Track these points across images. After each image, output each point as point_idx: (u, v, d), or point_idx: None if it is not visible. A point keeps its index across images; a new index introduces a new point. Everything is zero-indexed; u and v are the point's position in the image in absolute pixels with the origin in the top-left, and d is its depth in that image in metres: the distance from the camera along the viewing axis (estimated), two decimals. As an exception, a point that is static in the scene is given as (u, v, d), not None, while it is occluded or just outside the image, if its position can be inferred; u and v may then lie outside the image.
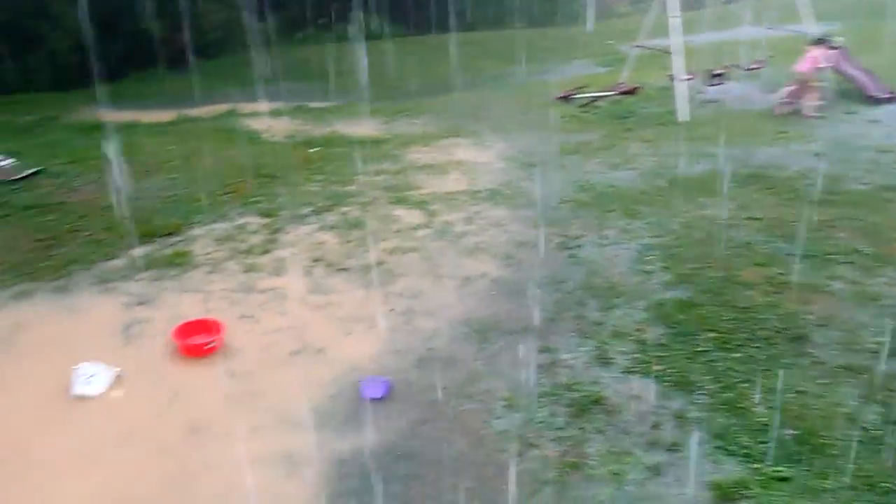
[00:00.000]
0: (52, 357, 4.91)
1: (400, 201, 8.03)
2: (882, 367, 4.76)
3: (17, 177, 8.75)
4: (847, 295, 5.69)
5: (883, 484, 3.79)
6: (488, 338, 5.26)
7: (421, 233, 7.18)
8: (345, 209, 7.81)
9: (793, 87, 11.26)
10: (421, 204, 7.95)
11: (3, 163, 9.03)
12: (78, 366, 4.61)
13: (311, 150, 10.46)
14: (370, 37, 19.43)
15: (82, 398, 4.45)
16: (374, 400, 4.50)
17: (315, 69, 16.77)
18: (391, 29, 19.76)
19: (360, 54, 15.55)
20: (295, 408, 4.43)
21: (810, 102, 11.06)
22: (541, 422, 4.35)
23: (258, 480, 3.81)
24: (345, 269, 6.37)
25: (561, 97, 13.06)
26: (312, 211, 7.79)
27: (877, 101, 11.48)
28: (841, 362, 4.82)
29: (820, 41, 11.39)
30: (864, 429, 4.20)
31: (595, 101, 12.72)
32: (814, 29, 12.33)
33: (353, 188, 8.55)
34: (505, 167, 9.35)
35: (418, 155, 10.03)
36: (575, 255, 6.60)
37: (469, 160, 9.68)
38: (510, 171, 9.18)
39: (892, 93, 11.61)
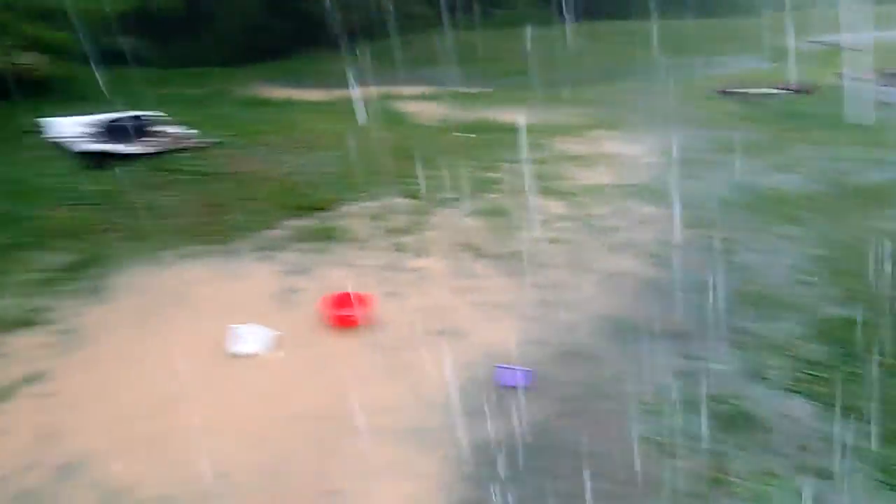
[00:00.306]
0: (213, 315, 5.26)
1: (547, 191, 7.97)
2: None
3: (195, 145, 9.47)
4: None
5: None
6: (632, 338, 5.12)
7: (566, 224, 7.09)
8: (492, 195, 7.86)
9: None
10: (568, 195, 7.85)
11: (182, 133, 9.82)
12: (236, 326, 4.93)
13: (462, 135, 10.58)
14: (533, 23, 19.30)
15: (239, 356, 4.75)
16: (510, 387, 4.50)
17: (474, 54, 16.94)
18: (555, 17, 19.52)
19: (520, 41, 15.44)
20: (433, 387, 4.51)
21: None
22: (682, 431, 4.18)
23: (391, 453, 3.92)
24: (489, 256, 6.41)
25: (724, 92, 12.43)
26: (460, 196, 7.88)
27: None
28: None
29: None
30: None
31: (760, 97, 12.01)
32: None
33: (500, 175, 8.58)
34: (658, 162, 9.05)
35: (569, 145, 9.91)
36: (729, 259, 6.28)
37: (621, 153, 9.45)
38: (663, 166, 8.86)
39: None
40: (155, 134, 9.83)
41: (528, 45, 16.85)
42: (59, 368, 4.62)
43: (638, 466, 3.86)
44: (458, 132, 10.82)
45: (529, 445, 4.00)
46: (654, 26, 15.97)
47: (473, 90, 14.69)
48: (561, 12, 19.30)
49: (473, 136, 10.60)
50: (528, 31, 18.18)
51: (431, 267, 6.21)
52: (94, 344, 4.93)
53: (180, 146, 9.41)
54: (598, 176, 8.57)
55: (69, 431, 4.01)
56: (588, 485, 3.66)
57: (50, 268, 6.00)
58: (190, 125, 10.11)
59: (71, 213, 7.17)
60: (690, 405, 4.39)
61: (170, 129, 10.06)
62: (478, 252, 6.48)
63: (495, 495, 3.59)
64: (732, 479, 3.80)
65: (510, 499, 3.56)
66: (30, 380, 4.48)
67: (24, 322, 5.14)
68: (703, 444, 4.07)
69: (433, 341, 5.05)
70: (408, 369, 4.72)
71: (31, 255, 6.21)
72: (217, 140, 9.68)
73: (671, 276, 6.00)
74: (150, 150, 9.19)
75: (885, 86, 11.35)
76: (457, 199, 7.78)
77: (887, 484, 3.75)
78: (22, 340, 4.94)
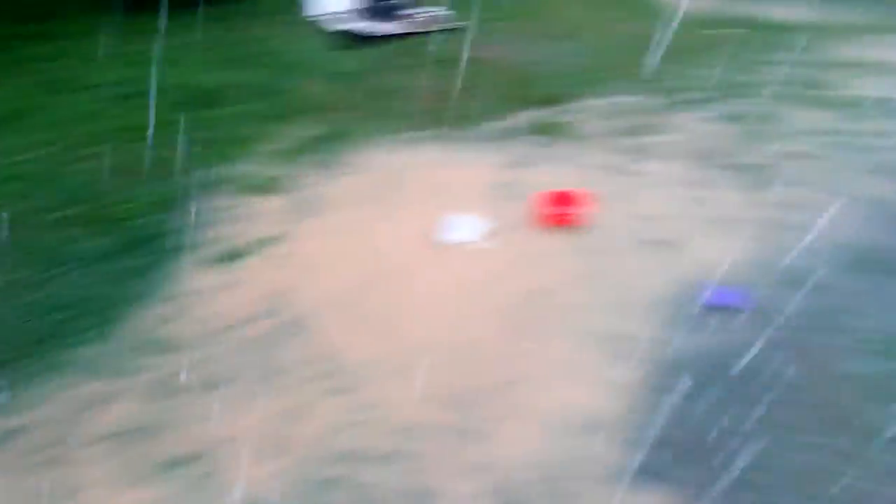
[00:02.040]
0: (431, 201, 5.52)
1: (806, 100, 7.15)
2: None
3: (442, 28, 9.72)
4: None
5: None
6: (869, 270, 4.59)
7: (822, 139, 6.36)
8: (742, 101, 7.23)
9: None
10: (831, 106, 6.99)
11: (440, 13, 10.03)
12: (451, 214, 5.17)
13: (717, 31, 9.71)
14: None
15: (450, 244, 4.99)
16: (721, 307, 4.31)
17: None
18: None
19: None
20: (640, 296, 4.45)
21: None
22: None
23: (582, 355, 3.98)
24: (725, 165, 5.99)
25: None
26: (706, 98, 7.36)
27: None
28: None
29: None
30: None
31: None
32: None
33: (755, 78, 7.82)
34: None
35: (840, 49, 8.69)
36: None
37: (886, 60, 8.12)
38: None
39: None
40: (412, 15, 10.18)
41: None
42: (291, 234, 5.16)
43: (845, 406, 3.57)
44: (717, 28, 9.93)
45: (727, 368, 3.85)
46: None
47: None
48: None
49: (734, 31, 9.67)
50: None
51: (661, 171, 5.96)
52: (326, 214, 5.43)
53: (433, 28, 9.69)
54: (871, 87, 7.48)
55: (294, 292, 4.53)
56: (785, 416, 3.48)
57: (295, 139, 6.63)
58: (448, 7, 10.30)
59: (320, 88, 7.81)
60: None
61: (427, 10, 10.34)
62: (714, 160, 6.09)
63: (678, 411, 3.54)
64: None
65: (695, 418, 3.50)
66: (265, 241, 5.05)
67: (267, 188, 5.76)
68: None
69: (648, 249, 4.93)
70: (615, 274, 4.68)
71: (280, 127, 6.88)
72: (464, 24, 9.84)
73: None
74: (405, 30, 9.57)
75: None
76: (703, 102, 7.27)
77: None
78: (264, 204, 5.56)
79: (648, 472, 3.20)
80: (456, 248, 4.97)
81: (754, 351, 3.94)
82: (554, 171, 5.99)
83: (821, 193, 5.52)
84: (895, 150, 6.06)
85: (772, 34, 9.26)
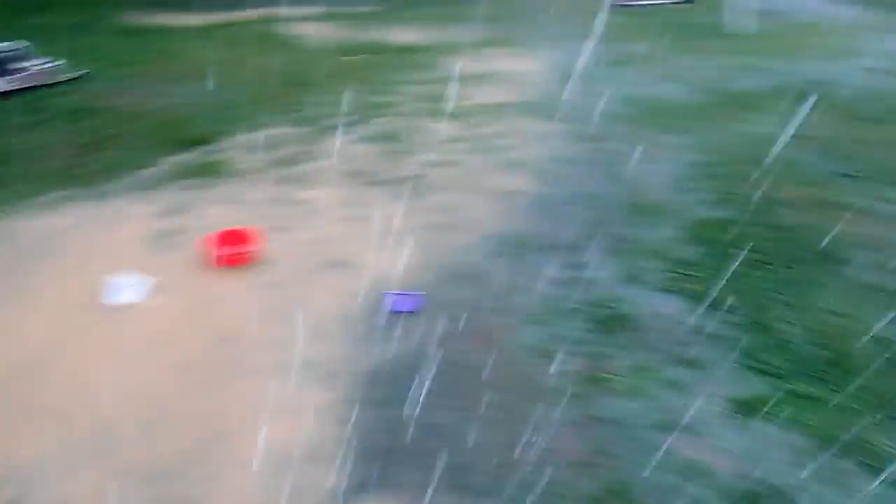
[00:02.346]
0: (85, 265, 5.02)
1: (439, 113, 7.93)
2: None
3: (62, 79, 8.84)
4: (889, 216, 5.50)
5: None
6: (521, 254, 5.25)
7: (459, 146, 7.10)
8: (382, 120, 7.75)
9: None
10: (461, 116, 7.84)
11: (47, 65, 9.10)
12: (112, 275, 4.74)
13: (353, 58, 10.32)
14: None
15: (115, 307, 4.56)
16: (402, 313, 4.57)
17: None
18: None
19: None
20: (325, 319, 4.52)
21: None
22: (567, 337, 4.37)
23: (284, 389, 3.92)
24: (380, 182, 6.37)
25: (615, 4, 12.53)
26: (349, 122, 7.75)
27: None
28: (874, 282, 4.71)
29: None
30: (891, 348, 4.14)
31: (651, 9, 12.18)
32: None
33: (391, 98, 8.46)
34: (550, 79, 9.12)
35: (461, 64, 9.82)
36: (616, 171, 6.48)
37: (513, 71, 9.46)
38: (554, 82, 8.94)
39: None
40: (18, 69, 9.09)
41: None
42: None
43: (525, 374, 4.03)
44: (349, 55, 10.53)
45: (420, 366, 4.09)
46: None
47: (364, 9, 14.23)
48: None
49: (364, 58, 10.35)
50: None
51: (320, 198, 6.13)
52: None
53: (49, 81, 8.77)
54: (492, 95, 8.57)
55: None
56: (478, 397, 3.80)
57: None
58: (59, 57, 9.40)
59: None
60: (573, 312, 4.59)
61: (34, 63, 9.31)
62: (368, 179, 6.43)
63: (390, 419, 3.68)
64: (612, 377, 4.03)
65: (405, 420, 3.66)
66: None
67: None
68: (585, 347, 4.28)
69: (324, 273, 5.03)
70: (297, 304, 4.69)
71: None
72: (86, 72, 9.07)
73: (560, 191, 6.15)
74: (18, 86, 8.53)
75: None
76: (346, 126, 7.64)
77: (749, 366, 4.06)
78: None
79: (370, 484, 3.26)
80: (125, 310, 4.55)
81: (441, 344, 4.26)
82: (216, 212, 5.80)
83: (465, 194, 6.16)
84: (519, 147, 7.00)
85: (401, 56, 10.10)
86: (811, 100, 7.91)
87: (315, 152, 7.00)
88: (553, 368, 4.09)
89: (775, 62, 9.09)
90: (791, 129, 7.09)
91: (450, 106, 8.12)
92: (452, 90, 8.72)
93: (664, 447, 3.47)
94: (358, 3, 14.71)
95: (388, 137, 7.29)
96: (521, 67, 9.61)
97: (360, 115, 7.90)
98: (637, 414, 3.73)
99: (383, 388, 3.89)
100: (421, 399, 3.80)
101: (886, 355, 4.10)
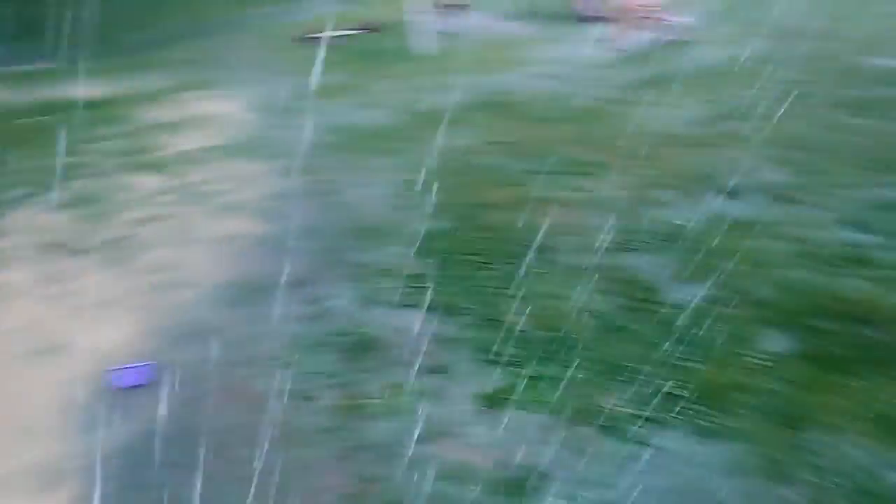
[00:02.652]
0: None
1: (138, 166, 7.40)
2: (614, 261, 5.32)
3: None
4: (581, 202, 6.24)
5: (625, 365, 4.27)
6: (253, 298, 5.07)
7: (167, 198, 6.68)
8: (74, 183, 7.03)
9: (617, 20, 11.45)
10: (163, 166, 7.39)
11: None
12: None
13: (27, 121, 9.24)
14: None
15: None
16: (131, 388, 4.16)
17: (12, 26, 14.69)
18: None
19: (66, 7, 13.70)
20: (41, 414, 3.97)
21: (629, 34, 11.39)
22: (317, 372, 4.31)
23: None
24: (82, 251, 5.76)
25: (304, 38, 12.70)
26: (34, 190, 6.92)
27: (586, 21, 12.53)
28: (581, 263, 5.30)
29: None
30: (604, 319, 4.69)
31: (338, 40, 12.54)
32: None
33: (81, 158, 7.70)
34: (252, 117, 8.98)
35: (155, 113, 9.27)
36: (334, 199, 6.54)
37: (212, 113, 9.15)
38: (258, 120, 8.82)
39: (597, 12, 12.71)
40: None
41: (91, 12, 15.26)
42: None
43: (279, 420, 3.88)
44: (26, 118, 9.41)
45: (165, 438, 3.75)
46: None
47: (39, 67, 12.84)
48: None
49: (41, 119, 9.32)
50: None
51: (15, 279, 5.39)
52: None
53: None
54: (193, 140, 8.20)
55: None
56: (235, 456, 3.58)
57: None
58: None
59: None
60: (320, 346, 4.54)
61: None
62: (68, 249, 5.79)
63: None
64: (367, 401, 4.05)
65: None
66: None
67: None
68: (336, 379, 4.25)
69: (31, 364, 4.42)
70: (6, 402, 4.07)
71: None
72: None
73: (283, 227, 6.06)
74: None
75: (449, 17, 12.64)
76: (32, 195, 6.82)
77: (489, 361, 4.33)
78: None
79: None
80: None
81: (190, 409, 3.95)
82: None
83: (181, 248, 5.80)
84: (231, 191, 6.76)
85: (91, 112, 9.24)
86: (496, 108, 8.75)
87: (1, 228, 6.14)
88: (307, 408, 4.00)
89: (461, 78, 9.88)
90: (484, 137, 7.76)
91: (152, 157, 7.62)
92: (152, 141, 8.20)
93: (427, 458, 3.55)
94: (30, 62, 13.21)
95: (87, 200, 6.63)
96: (222, 109, 9.34)
97: (46, 181, 7.08)
98: (397, 432, 3.78)
99: (120, 477, 3.50)
100: (168, 475, 3.48)
101: (600, 325, 4.62)
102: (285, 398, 4.06)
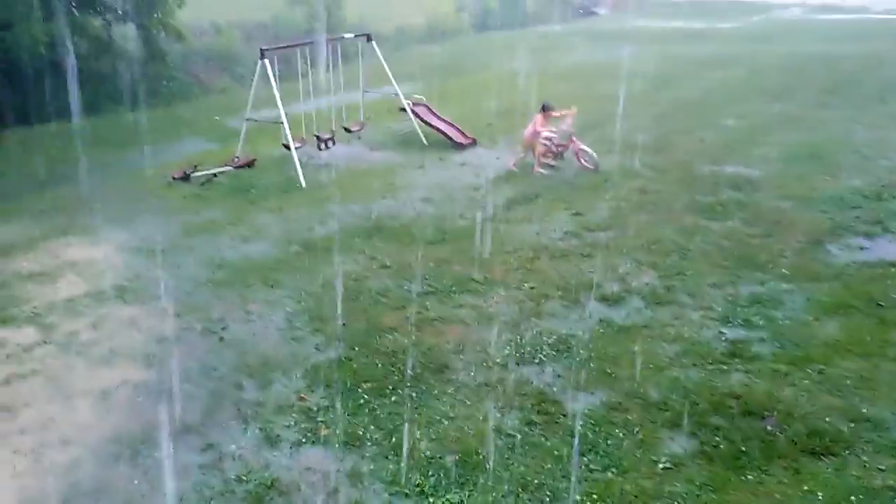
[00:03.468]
0: None
1: (5, 321, 6.92)
2: (512, 376, 5.45)
3: None
4: (472, 319, 6.41)
5: (534, 481, 4.31)
6: (141, 451, 4.78)
7: (39, 351, 6.27)
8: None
9: (533, 150, 11.51)
10: (34, 318, 6.96)
11: None
12: None
13: None
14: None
15: None
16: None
17: None
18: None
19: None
20: None
21: (542, 161, 11.46)
22: (220, 527, 4.08)
23: None
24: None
25: (177, 177, 12.59)
26: None
27: (461, 147, 13.27)
28: (480, 380, 5.40)
29: (543, 108, 11.63)
30: (510, 435, 4.75)
31: (214, 177, 12.53)
32: (398, 89, 13.80)
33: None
34: (129, 260, 8.68)
35: (21, 263, 8.76)
36: (222, 337, 6.38)
37: (85, 259, 8.77)
38: (135, 262, 8.54)
39: (471, 138, 13.52)
40: None
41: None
42: None
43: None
44: None
45: None
46: (97, 123, 15.38)
47: None
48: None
49: None
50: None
51: None
52: None
53: None
54: (67, 289, 7.79)
55: None
56: None
57: None
58: None
59: None
60: (219, 496, 4.31)
61: None
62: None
63: None
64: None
65: None
66: None
67: None
68: (243, 532, 4.03)
69: None
70: None
71: None
72: None
73: (169, 372, 5.81)
74: None
75: (321, 149, 12.94)
76: None
77: (401, 492, 4.25)
78: None
79: None
80: None
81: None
82: None
83: (61, 402, 5.43)
84: (111, 337, 6.42)
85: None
86: (379, 233, 8.95)
87: None
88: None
89: (343, 206, 10.07)
90: (370, 262, 7.88)
91: (18, 311, 7.16)
92: (17, 292, 7.72)
93: None
94: None
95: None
96: (94, 253, 8.99)
97: None
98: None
99: None
100: None
101: (503, 444, 4.67)
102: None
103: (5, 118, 16.79)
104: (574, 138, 11.51)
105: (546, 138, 11.34)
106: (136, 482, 4.47)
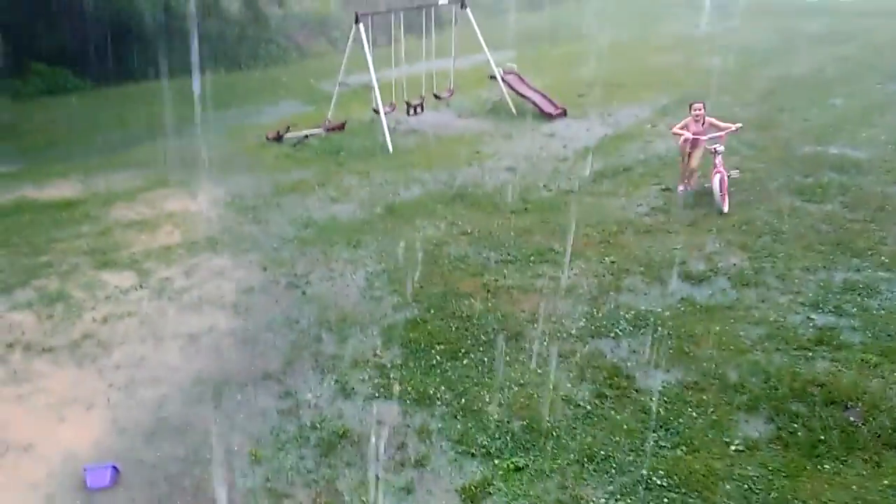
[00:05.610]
0: None
1: (106, 264, 7.35)
2: (586, 348, 5.40)
3: None
4: (549, 289, 6.36)
5: (601, 452, 4.28)
6: (224, 394, 5.02)
7: (135, 295, 6.64)
8: (41, 282, 6.95)
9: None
10: (132, 264, 7.37)
11: None
12: None
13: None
14: (52, 91, 17.69)
15: None
16: (101, 489, 4.04)
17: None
18: (75, 81, 18.08)
19: (45, 110, 13.89)
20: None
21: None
22: (290, 469, 4.24)
23: None
24: (48, 350, 5.67)
25: (271, 137, 12.96)
26: (5, 287, 6.83)
27: (550, 117, 13.07)
28: (553, 350, 5.37)
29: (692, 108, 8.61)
30: (579, 405, 4.72)
31: (305, 138, 12.83)
32: (490, 56, 13.67)
33: (48, 258, 7.64)
34: (222, 213, 9.04)
35: (124, 212, 9.28)
36: (305, 292, 6.57)
37: (182, 210, 9.19)
38: (228, 216, 8.88)
39: (561, 109, 13.29)
40: None
41: (67, 114, 15.51)
42: None
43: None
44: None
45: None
46: (194, 83, 16.00)
47: (5, 169, 12.83)
48: (95, 77, 18.14)
49: (10, 219, 9.27)
50: (63, 99, 16.72)
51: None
52: None
53: None
54: (164, 237, 8.21)
55: None
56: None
57: None
58: None
59: None
60: (293, 441, 4.48)
61: None
62: (34, 349, 5.69)
63: None
64: (343, 499, 3.98)
65: None
66: None
67: None
68: (312, 475, 4.19)
69: (2, 462, 4.29)
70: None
71: None
72: None
73: (253, 321, 6.05)
74: None
75: (410, 114, 13.04)
76: (2, 291, 6.72)
77: (467, 453, 4.32)
78: None
79: None
80: None
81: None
82: None
83: (153, 344, 5.74)
84: (201, 286, 6.74)
85: (56, 213, 9.22)
86: (462, 200, 8.96)
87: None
88: (282, 506, 3.92)
89: (428, 173, 10.14)
90: (451, 228, 7.92)
91: (120, 256, 7.60)
92: (122, 239, 8.19)
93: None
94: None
95: (51, 299, 6.54)
96: (191, 206, 9.40)
97: (13, 281, 7.00)
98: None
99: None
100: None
101: (573, 414, 4.65)
102: (257, 497, 3.98)
103: (118, 74, 17.71)
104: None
105: (713, 149, 8.40)
106: (215, 422, 4.69)
